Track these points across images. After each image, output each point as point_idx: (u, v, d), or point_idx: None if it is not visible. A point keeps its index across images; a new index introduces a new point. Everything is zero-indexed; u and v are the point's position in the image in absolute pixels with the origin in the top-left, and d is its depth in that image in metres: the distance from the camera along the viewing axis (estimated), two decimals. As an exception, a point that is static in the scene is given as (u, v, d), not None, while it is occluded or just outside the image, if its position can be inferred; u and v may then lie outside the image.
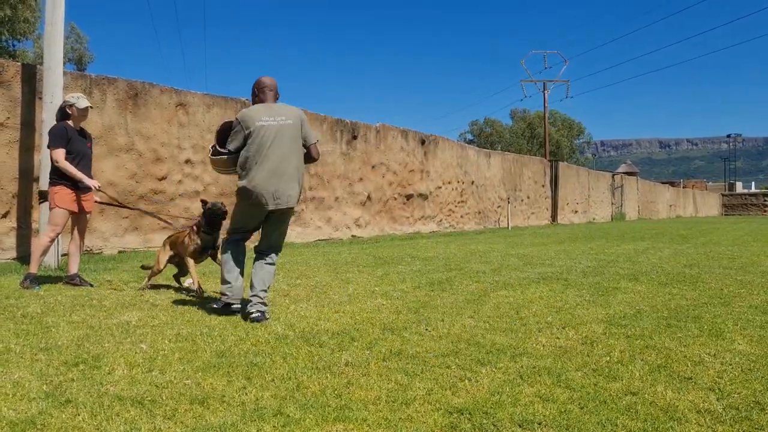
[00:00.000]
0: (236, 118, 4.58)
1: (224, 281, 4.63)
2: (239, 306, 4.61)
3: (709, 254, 10.19)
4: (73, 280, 6.05)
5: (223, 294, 4.61)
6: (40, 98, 7.61)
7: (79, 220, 6.13)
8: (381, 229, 15.13)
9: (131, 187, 9.20)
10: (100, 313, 4.59)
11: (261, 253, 4.71)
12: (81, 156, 5.96)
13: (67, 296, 5.36)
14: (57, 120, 6.10)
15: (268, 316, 4.44)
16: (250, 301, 4.45)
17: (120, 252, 8.91)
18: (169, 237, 5.91)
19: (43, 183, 7.26)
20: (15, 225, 7.77)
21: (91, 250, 8.64)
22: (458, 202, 18.87)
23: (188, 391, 2.80)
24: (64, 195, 5.86)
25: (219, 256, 5.20)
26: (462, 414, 2.54)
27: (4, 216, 7.70)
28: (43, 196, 7.24)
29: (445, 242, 13.45)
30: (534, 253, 10.22)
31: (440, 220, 17.84)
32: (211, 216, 5.31)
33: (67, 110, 6.00)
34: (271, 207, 4.48)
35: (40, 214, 7.33)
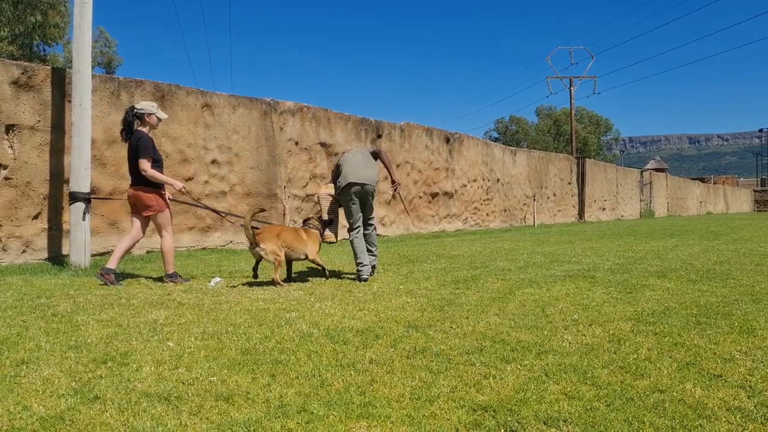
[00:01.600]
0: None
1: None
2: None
3: (740, 251, 9.99)
4: (108, 274, 6.18)
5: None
6: (70, 101, 7.74)
7: (145, 222, 6.47)
8: (406, 228, 15.11)
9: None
10: (128, 312, 4.66)
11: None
12: (159, 164, 6.36)
13: (96, 295, 5.45)
14: (128, 122, 6.34)
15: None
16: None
17: (148, 252, 9.02)
18: (268, 232, 6.34)
19: (74, 185, 7.40)
20: (46, 226, 7.92)
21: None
22: (484, 200, 18.77)
23: (214, 388, 2.82)
24: (162, 200, 6.34)
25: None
26: (486, 411, 2.52)
27: (36, 217, 7.85)
28: (74, 198, 7.37)
29: (470, 240, 13.40)
30: (560, 251, 10.13)
31: (466, 219, 17.76)
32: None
33: (146, 118, 6.32)
34: None
35: (71, 215, 7.46)
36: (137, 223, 6.40)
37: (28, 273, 6.88)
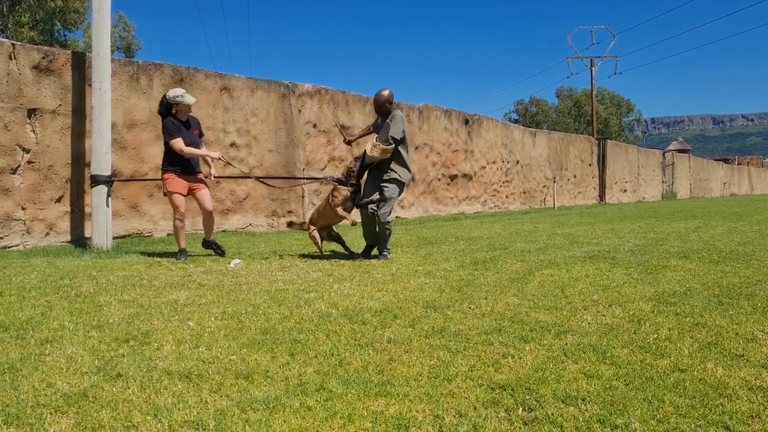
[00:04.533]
0: (401, 115, 6.85)
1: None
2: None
3: (765, 232, 9.85)
4: (208, 246, 7.19)
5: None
6: (90, 85, 7.80)
7: (197, 198, 6.94)
8: (425, 210, 15.09)
9: (178, 170, 9.37)
10: (149, 293, 4.72)
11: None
12: (187, 144, 6.68)
13: (118, 276, 5.52)
14: (161, 113, 6.81)
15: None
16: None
17: (168, 235, 9.11)
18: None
19: (95, 168, 7.48)
20: (69, 209, 8.02)
21: (141, 232, 8.87)
22: (503, 182, 18.67)
23: (233, 367, 2.85)
24: (173, 181, 6.70)
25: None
26: (504, 390, 2.52)
27: (59, 200, 7.95)
28: (95, 181, 7.45)
29: (489, 222, 13.35)
30: (580, 233, 10.06)
31: (485, 201, 17.69)
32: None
33: (174, 107, 6.73)
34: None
35: (92, 198, 7.55)
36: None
37: (51, 255, 6.98)
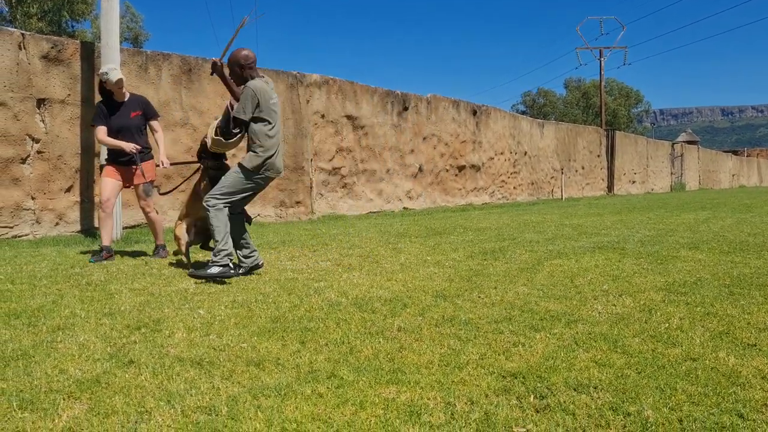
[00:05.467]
0: (251, 88, 4.84)
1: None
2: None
3: (775, 223, 9.78)
4: (156, 252, 6.28)
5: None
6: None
7: (137, 191, 6.23)
8: (433, 201, 15.07)
9: (188, 161, 9.38)
10: (159, 281, 4.73)
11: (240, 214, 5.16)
12: (119, 129, 6.03)
13: (128, 265, 5.54)
14: (100, 93, 6.21)
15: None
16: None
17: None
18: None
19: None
20: (78, 199, 8.05)
21: (140, 225, 8.88)
22: (511, 173, 18.62)
23: (244, 354, 2.86)
24: (107, 169, 6.12)
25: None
26: (515, 378, 2.52)
27: (68, 190, 7.98)
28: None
29: (497, 213, 13.32)
30: (589, 223, 10.02)
31: (493, 192, 17.65)
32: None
33: (103, 84, 6.06)
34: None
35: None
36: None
37: (61, 244, 7.02)
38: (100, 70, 6.14)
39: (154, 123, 6.35)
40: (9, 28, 7.69)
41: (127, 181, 6.14)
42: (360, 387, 2.43)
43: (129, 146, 5.96)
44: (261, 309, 3.77)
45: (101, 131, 6.02)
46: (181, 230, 5.48)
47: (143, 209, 6.25)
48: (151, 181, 6.24)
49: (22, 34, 7.63)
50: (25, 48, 7.57)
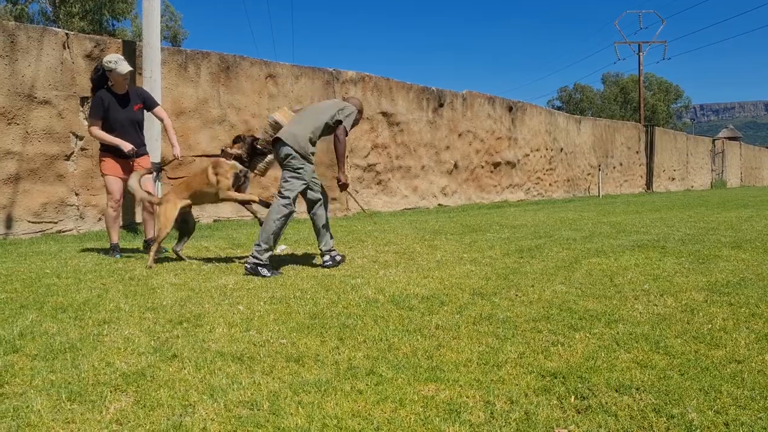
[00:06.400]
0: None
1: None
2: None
3: (822, 222, 9.50)
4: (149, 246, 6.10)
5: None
6: (140, 74, 7.95)
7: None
8: (468, 198, 15.01)
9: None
10: (199, 277, 4.81)
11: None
12: (120, 124, 5.91)
13: (169, 261, 5.64)
14: (92, 81, 5.96)
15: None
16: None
17: (215, 221, 9.27)
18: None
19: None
20: (120, 195, 8.22)
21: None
22: (547, 170, 18.43)
23: (284, 350, 2.89)
24: (107, 163, 5.95)
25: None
26: (555, 378, 2.50)
27: (110, 186, 8.15)
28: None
29: (533, 210, 13.20)
30: (628, 221, 9.87)
31: (528, 189, 17.50)
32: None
33: (108, 75, 5.84)
34: None
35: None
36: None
37: (104, 240, 7.17)
38: (106, 59, 5.85)
39: (159, 111, 6.30)
40: (54, 28, 7.88)
41: (126, 174, 5.95)
42: (399, 384, 2.45)
43: (127, 146, 5.85)
44: (299, 305, 3.81)
45: (95, 128, 5.85)
46: (172, 213, 5.43)
47: (146, 202, 6.09)
48: (149, 171, 6.17)
49: (66, 34, 7.81)
50: (68, 47, 7.76)
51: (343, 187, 5.52)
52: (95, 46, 7.97)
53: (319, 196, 5.36)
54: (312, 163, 5.26)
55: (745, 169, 38.64)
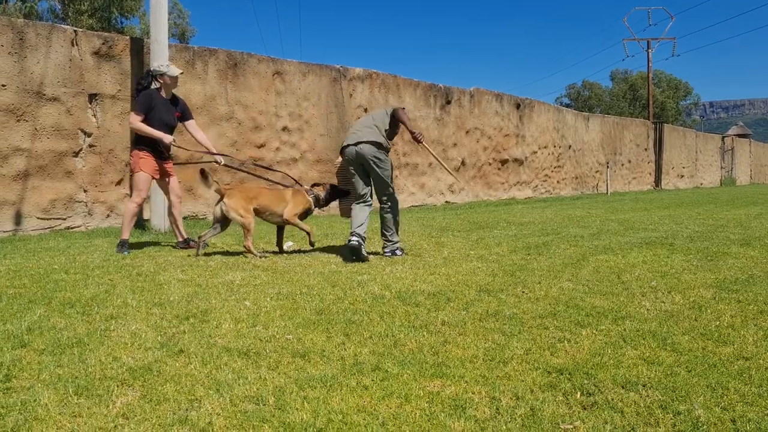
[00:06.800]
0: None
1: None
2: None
3: (833, 219, 9.43)
4: (187, 245, 6.34)
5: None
6: (148, 70, 7.97)
7: (165, 185, 6.39)
8: (475, 195, 14.98)
9: (232, 155, 9.53)
10: (206, 273, 4.83)
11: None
12: (159, 125, 6.07)
13: (176, 257, 5.66)
14: (136, 86, 6.26)
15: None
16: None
17: (223, 217, 9.28)
18: (240, 190, 5.97)
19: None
20: (128, 192, 8.25)
21: (196, 215, 9.07)
22: (554, 167, 18.38)
23: (290, 345, 2.90)
24: (146, 160, 6.09)
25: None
26: (562, 374, 2.50)
27: (118, 183, 8.19)
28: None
29: (541, 207, 13.17)
30: (636, 218, 9.83)
31: (536, 186, 17.45)
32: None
33: (159, 79, 6.14)
34: None
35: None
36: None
37: (112, 236, 7.21)
38: (157, 64, 6.16)
39: (192, 124, 6.53)
40: (63, 26, 7.91)
41: (157, 174, 6.21)
42: (405, 380, 2.44)
43: (168, 138, 6.07)
44: (306, 301, 3.82)
45: (137, 120, 5.99)
46: (250, 210, 5.78)
47: (175, 203, 6.42)
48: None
49: (75, 31, 7.84)
50: (77, 44, 7.78)
51: (418, 138, 5.87)
52: (103, 43, 8.00)
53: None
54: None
55: (755, 167, 38.41)
